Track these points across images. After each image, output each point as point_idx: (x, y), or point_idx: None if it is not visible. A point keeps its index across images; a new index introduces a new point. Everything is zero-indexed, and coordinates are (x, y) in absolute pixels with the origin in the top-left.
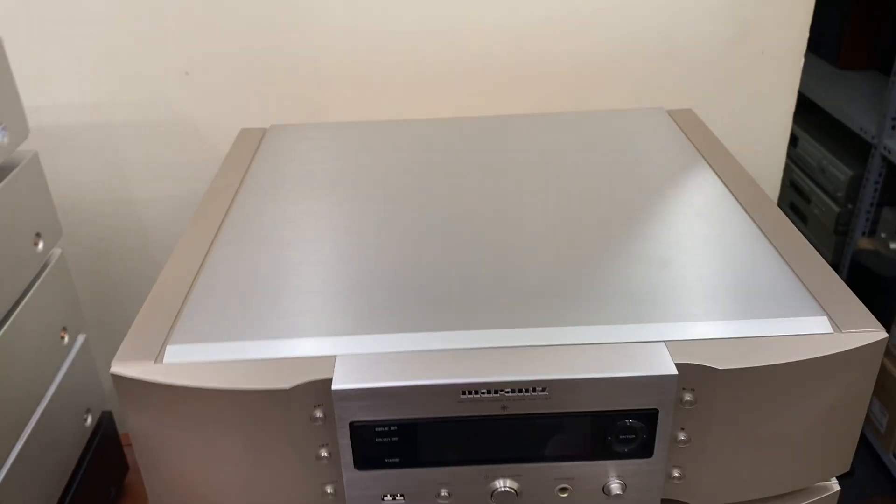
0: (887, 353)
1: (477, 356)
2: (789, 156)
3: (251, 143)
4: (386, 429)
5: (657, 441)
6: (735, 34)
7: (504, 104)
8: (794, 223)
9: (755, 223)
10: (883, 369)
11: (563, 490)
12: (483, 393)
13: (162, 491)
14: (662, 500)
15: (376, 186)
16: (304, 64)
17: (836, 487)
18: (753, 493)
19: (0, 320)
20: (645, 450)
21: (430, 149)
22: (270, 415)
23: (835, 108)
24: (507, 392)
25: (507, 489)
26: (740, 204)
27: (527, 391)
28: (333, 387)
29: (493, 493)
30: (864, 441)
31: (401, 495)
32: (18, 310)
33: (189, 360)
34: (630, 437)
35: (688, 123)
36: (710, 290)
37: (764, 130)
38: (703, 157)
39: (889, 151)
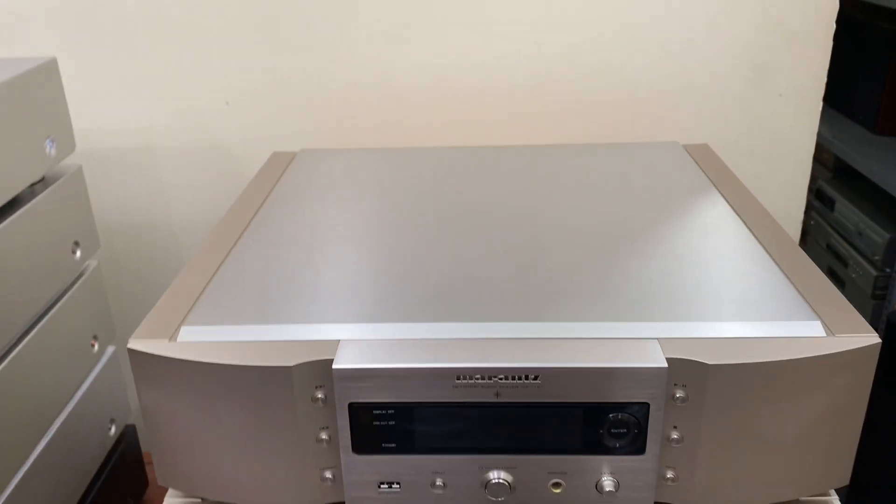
0: None
1: (474, 345)
2: (826, 220)
3: (282, 164)
4: (384, 411)
5: (649, 437)
6: (753, 76)
7: (526, 135)
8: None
9: (758, 240)
10: None
11: (557, 485)
12: (477, 378)
13: (168, 468)
14: (656, 503)
15: (394, 202)
16: (337, 94)
17: (837, 502)
18: (748, 500)
19: (34, 320)
20: (637, 446)
21: (451, 172)
22: (273, 393)
23: (872, 172)
24: (501, 379)
25: (501, 481)
26: (746, 224)
27: (519, 378)
28: (334, 366)
29: (487, 484)
30: None
31: (397, 483)
32: (52, 312)
33: (201, 339)
34: (622, 430)
35: (702, 156)
36: (707, 295)
37: (782, 172)
38: (713, 184)
39: None
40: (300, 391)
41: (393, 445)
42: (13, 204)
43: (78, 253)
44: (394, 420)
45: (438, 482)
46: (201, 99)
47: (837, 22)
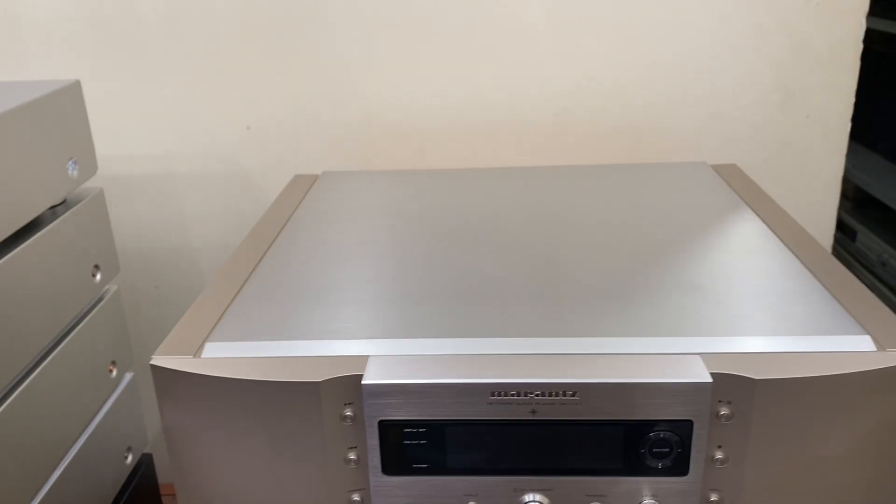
0: None
1: (509, 360)
2: (848, 251)
3: (304, 186)
4: (415, 430)
5: (692, 457)
6: (780, 98)
7: (549, 160)
8: None
9: (796, 256)
10: None
11: None
12: (512, 395)
13: (190, 488)
14: None
15: (423, 221)
16: (357, 122)
17: None
18: None
19: (53, 344)
20: (680, 466)
21: (478, 193)
22: (301, 410)
23: (893, 200)
24: (537, 395)
25: (537, 503)
26: (781, 240)
27: (557, 395)
28: (364, 381)
29: None
30: None
31: None
32: (71, 336)
33: (226, 355)
34: (664, 450)
35: (731, 176)
36: (748, 310)
37: (812, 195)
38: (745, 203)
39: None
40: (328, 408)
41: (424, 466)
42: (34, 225)
43: (98, 276)
44: (425, 439)
45: None
46: (222, 124)
47: None
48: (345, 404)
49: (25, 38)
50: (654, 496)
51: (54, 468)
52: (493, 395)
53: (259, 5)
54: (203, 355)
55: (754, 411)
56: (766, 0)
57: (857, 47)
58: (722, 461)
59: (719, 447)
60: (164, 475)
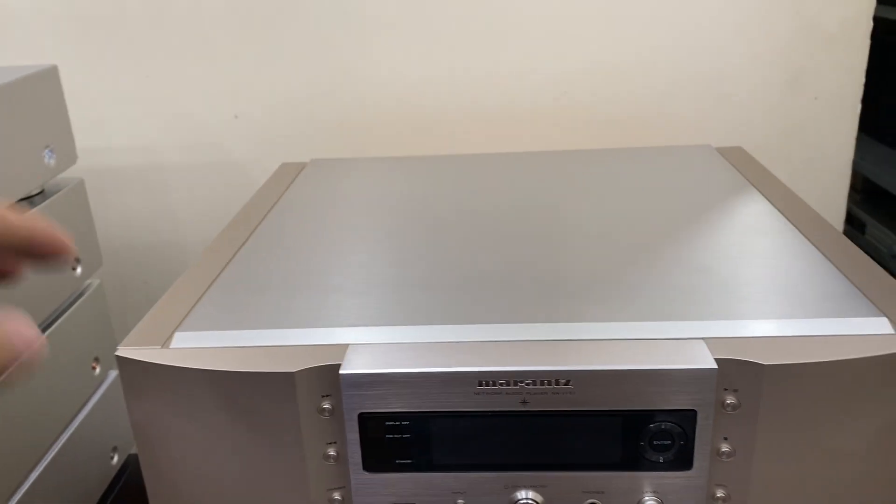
0: None
1: (496, 347)
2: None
3: (291, 174)
4: (397, 423)
5: (696, 450)
6: (788, 79)
7: (549, 145)
8: None
9: (805, 236)
10: None
11: None
12: (501, 384)
13: (161, 490)
14: None
15: (411, 207)
16: (348, 108)
17: None
18: None
19: None
20: (683, 460)
21: (474, 177)
22: (275, 403)
23: None
24: (528, 384)
25: (530, 501)
26: (789, 220)
27: (549, 384)
28: (342, 371)
29: None
30: None
31: None
32: (50, 331)
33: (196, 345)
34: (665, 442)
35: (737, 159)
36: (756, 293)
37: (822, 178)
38: (751, 184)
39: None
40: (305, 401)
41: (408, 462)
42: None
43: (78, 269)
44: (409, 433)
45: (460, 503)
46: (210, 113)
47: None
48: (322, 396)
49: (4, 25)
50: (655, 492)
51: (34, 468)
52: (481, 385)
53: None
54: (172, 346)
55: (763, 400)
56: None
57: (868, 24)
58: (728, 454)
59: (725, 439)
60: None
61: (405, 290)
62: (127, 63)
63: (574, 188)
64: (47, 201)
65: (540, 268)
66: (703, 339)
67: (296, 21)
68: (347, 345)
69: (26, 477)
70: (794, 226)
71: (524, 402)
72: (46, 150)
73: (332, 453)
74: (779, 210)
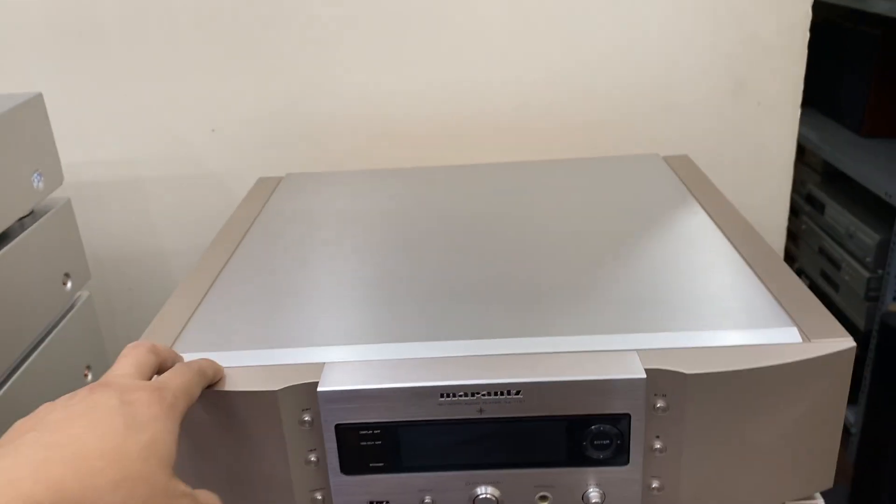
0: None
1: (456, 362)
2: (817, 223)
3: (268, 189)
4: (370, 432)
5: (632, 448)
6: (731, 87)
7: (509, 156)
8: (824, 290)
9: (736, 249)
10: None
11: (544, 498)
12: (461, 395)
13: None
14: None
15: (378, 222)
16: (323, 121)
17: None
18: None
19: (26, 354)
20: (621, 456)
21: (434, 190)
22: (261, 418)
23: (860, 174)
24: (484, 395)
25: (489, 496)
26: (723, 232)
27: (501, 394)
28: (319, 388)
29: (475, 500)
30: None
31: (386, 502)
32: (44, 345)
33: None
34: (605, 442)
35: (682, 167)
36: (686, 305)
37: (766, 180)
38: (692, 195)
39: None
40: (287, 415)
41: (381, 465)
42: (2, 238)
43: (69, 284)
44: (380, 440)
45: (427, 500)
46: (187, 127)
47: (822, 28)
48: (303, 410)
49: None
50: (597, 485)
51: None
52: (443, 397)
53: (221, 6)
54: None
55: (688, 403)
56: None
57: (805, 34)
58: (661, 450)
59: (657, 437)
60: None
61: (374, 309)
62: (105, 78)
63: (530, 202)
64: (37, 222)
65: (494, 286)
66: (635, 350)
67: (270, 36)
68: (324, 363)
69: None
70: (728, 238)
71: (481, 411)
72: (35, 174)
73: (312, 459)
74: (715, 222)
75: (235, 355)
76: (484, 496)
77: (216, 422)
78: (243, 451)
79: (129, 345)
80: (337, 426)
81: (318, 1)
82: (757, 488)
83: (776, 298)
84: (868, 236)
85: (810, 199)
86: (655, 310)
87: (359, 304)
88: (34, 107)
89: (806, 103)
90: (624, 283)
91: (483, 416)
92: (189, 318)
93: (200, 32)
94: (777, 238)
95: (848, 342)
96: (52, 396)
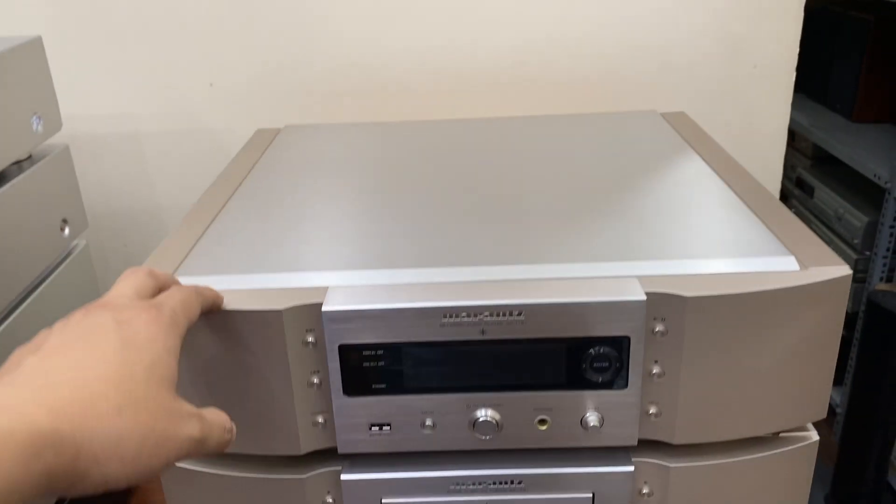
0: None
1: (460, 286)
2: (807, 206)
3: (267, 139)
4: (373, 352)
5: (631, 371)
6: (727, 49)
7: (508, 111)
8: None
9: (732, 189)
10: None
11: (543, 422)
12: (463, 316)
13: None
14: (640, 440)
15: (380, 167)
16: (322, 76)
17: (815, 437)
18: (730, 433)
19: (22, 297)
20: (619, 380)
21: (437, 141)
22: (265, 337)
23: (849, 158)
24: (486, 316)
25: (489, 419)
26: (720, 176)
27: (504, 315)
28: (324, 308)
29: (475, 422)
30: None
31: (387, 425)
32: (40, 290)
33: None
34: (604, 364)
35: (679, 123)
36: (685, 238)
37: (759, 144)
38: (690, 145)
39: None
40: (291, 335)
41: (383, 386)
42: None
43: (66, 231)
44: (383, 361)
45: (428, 422)
46: (185, 81)
47: (814, 14)
48: (307, 330)
49: None
50: (596, 409)
51: None
52: (446, 318)
53: None
54: None
55: (686, 327)
56: None
57: None
58: (659, 375)
59: (656, 362)
60: None
61: (378, 239)
62: (104, 33)
63: (530, 150)
64: (35, 166)
65: (497, 218)
66: (636, 276)
67: None
68: (328, 287)
69: None
70: (724, 181)
71: (483, 332)
72: (34, 117)
73: (315, 381)
74: (712, 168)
75: (239, 279)
76: (484, 419)
77: (219, 344)
78: (246, 375)
79: (128, 269)
80: (340, 346)
81: None
82: (752, 417)
83: (773, 232)
84: (856, 218)
85: (800, 183)
86: (655, 242)
87: (362, 233)
88: (33, 49)
89: (797, 89)
90: (627, 217)
91: (485, 337)
92: (191, 248)
93: None
94: None
95: (844, 270)
96: None
